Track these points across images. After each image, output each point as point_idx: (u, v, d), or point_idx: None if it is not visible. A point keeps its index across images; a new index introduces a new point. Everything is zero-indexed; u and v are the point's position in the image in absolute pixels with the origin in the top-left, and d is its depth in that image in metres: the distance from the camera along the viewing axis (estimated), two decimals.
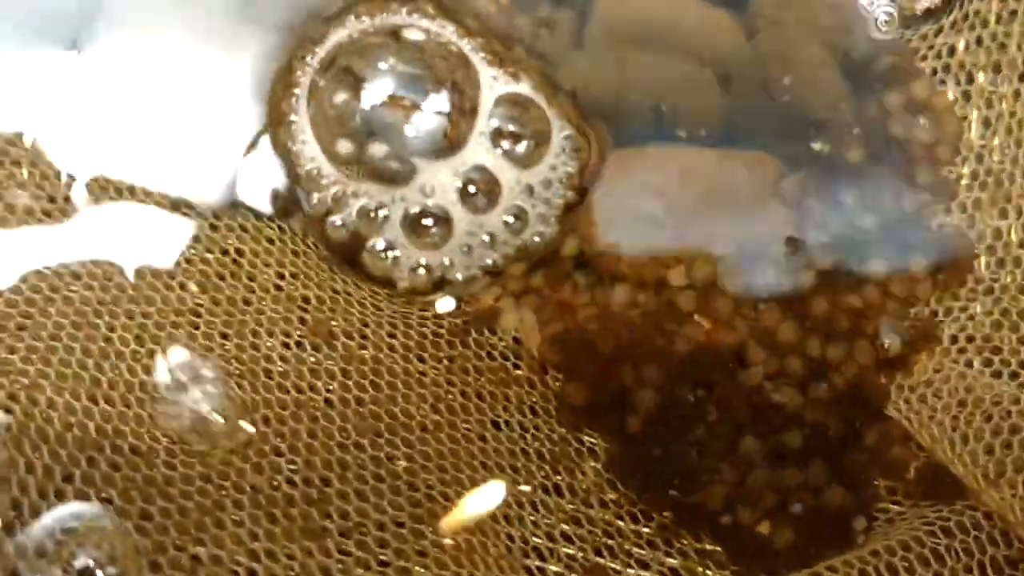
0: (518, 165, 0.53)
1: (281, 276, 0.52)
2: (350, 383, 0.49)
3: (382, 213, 0.52)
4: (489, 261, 0.53)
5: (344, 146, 0.53)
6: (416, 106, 0.52)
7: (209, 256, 0.52)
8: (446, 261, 0.53)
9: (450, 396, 0.50)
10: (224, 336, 0.49)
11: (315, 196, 0.52)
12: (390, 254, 0.52)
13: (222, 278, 0.51)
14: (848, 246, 0.53)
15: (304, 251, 0.53)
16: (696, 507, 0.49)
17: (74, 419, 0.45)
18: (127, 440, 0.45)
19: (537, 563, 0.47)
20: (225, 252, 0.52)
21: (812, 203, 0.54)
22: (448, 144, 0.53)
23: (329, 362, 0.50)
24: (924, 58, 0.56)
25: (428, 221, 0.52)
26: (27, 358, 0.46)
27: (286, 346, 0.50)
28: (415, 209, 0.52)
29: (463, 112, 0.53)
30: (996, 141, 0.54)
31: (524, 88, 0.54)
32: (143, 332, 0.48)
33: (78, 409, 0.45)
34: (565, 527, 0.48)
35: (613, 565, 0.48)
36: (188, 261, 0.51)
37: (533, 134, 0.54)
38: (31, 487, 0.42)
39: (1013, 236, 0.52)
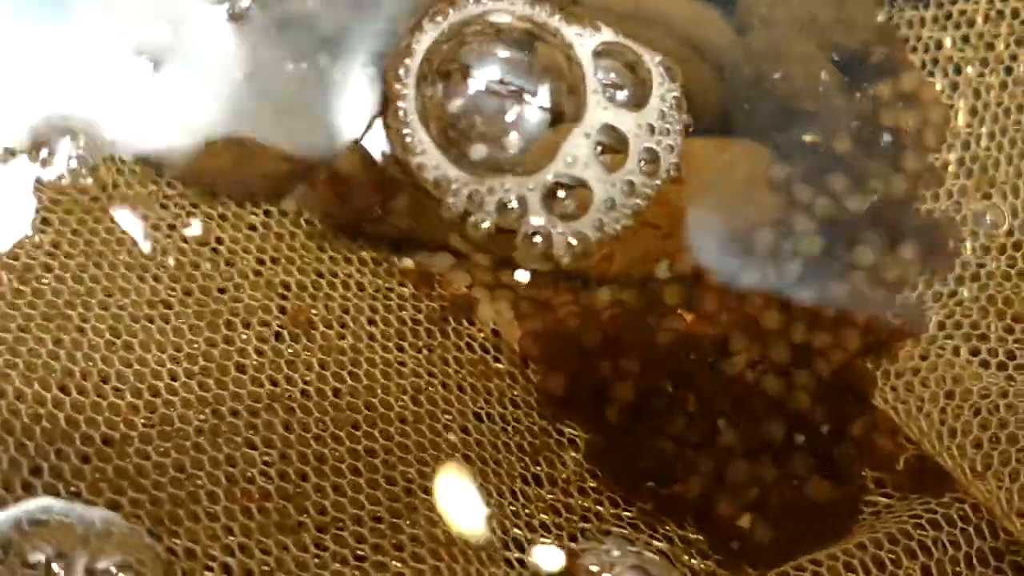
0: (633, 109, 0.53)
1: (261, 262, 0.51)
2: (328, 374, 0.48)
3: (518, 200, 0.51)
4: (632, 208, 0.52)
5: (469, 149, 0.52)
6: (527, 89, 0.52)
7: (185, 245, 0.51)
8: (595, 224, 0.52)
9: (431, 388, 0.50)
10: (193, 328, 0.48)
11: (449, 201, 0.51)
12: (539, 238, 0.51)
13: (197, 267, 0.50)
14: (836, 233, 0.53)
15: (290, 232, 0.52)
16: (675, 499, 0.48)
17: (43, 410, 0.44)
18: (99, 430, 0.44)
19: (517, 555, 0.46)
20: (204, 243, 0.51)
21: (801, 190, 0.54)
22: (567, 115, 0.52)
23: (307, 353, 0.49)
24: (914, 50, 0.56)
25: (563, 193, 0.51)
26: None
27: (262, 339, 0.49)
28: (550, 186, 0.51)
29: (571, 80, 0.52)
30: (983, 129, 0.54)
31: (608, 35, 0.54)
32: (118, 323, 0.47)
33: (48, 400, 0.44)
34: (544, 517, 0.47)
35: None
36: (164, 251, 0.51)
37: (634, 76, 0.53)
38: None
39: (999, 221, 0.52)
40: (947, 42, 0.55)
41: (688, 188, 0.54)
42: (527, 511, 0.47)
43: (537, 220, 0.51)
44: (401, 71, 0.53)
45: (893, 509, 0.47)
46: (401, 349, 0.51)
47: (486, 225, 0.51)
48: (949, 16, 0.56)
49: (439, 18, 0.53)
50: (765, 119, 0.56)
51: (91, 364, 0.46)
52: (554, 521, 0.47)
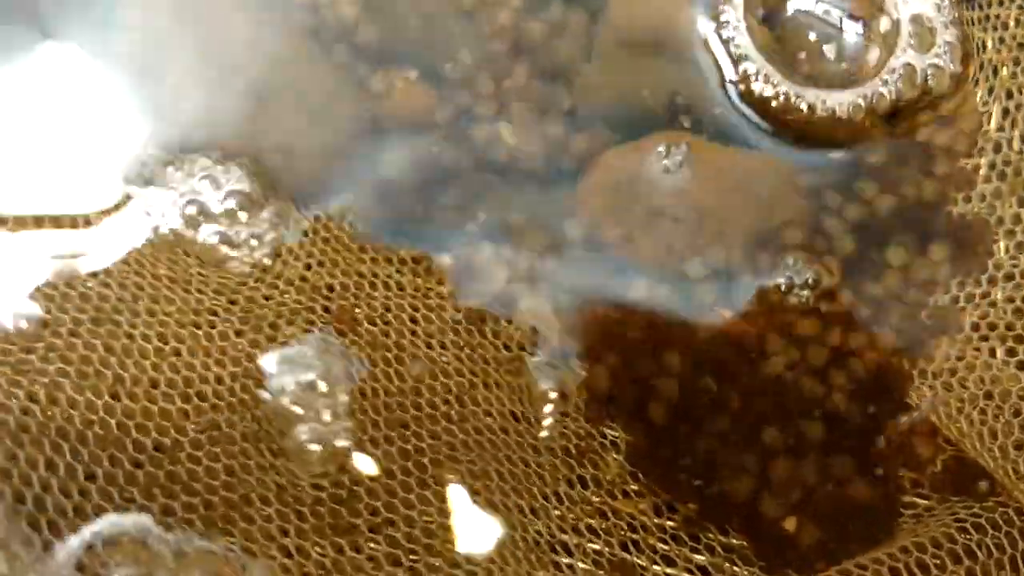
0: None
1: (308, 267, 0.51)
2: (377, 371, 0.49)
3: None
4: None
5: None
6: None
7: (232, 251, 0.51)
8: None
9: (474, 388, 0.50)
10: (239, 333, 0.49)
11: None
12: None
13: (245, 274, 0.51)
14: (867, 235, 0.53)
15: (336, 235, 0.52)
16: (720, 500, 0.49)
17: (96, 417, 0.44)
18: (150, 436, 0.44)
19: (565, 559, 0.46)
20: (250, 246, 0.52)
21: (831, 194, 0.54)
22: None
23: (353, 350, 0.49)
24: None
25: None
26: (45, 356, 0.45)
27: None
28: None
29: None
30: (1016, 132, 0.54)
31: None
32: (165, 330, 0.48)
33: (99, 407, 0.44)
34: (591, 521, 0.48)
35: (639, 561, 0.47)
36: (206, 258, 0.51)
37: None
38: (53, 487, 0.42)
39: None
40: (989, 43, 0.55)
41: (714, 190, 0.55)
42: (572, 515, 0.48)
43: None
44: None
45: (934, 512, 0.48)
46: (443, 347, 0.51)
47: None
48: (987, 18, 0.56)
49: None
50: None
51: (140, 371, 0.46)
52: (601, 526, 0.47)
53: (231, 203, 0.52)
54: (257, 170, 0.53)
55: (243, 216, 0.52)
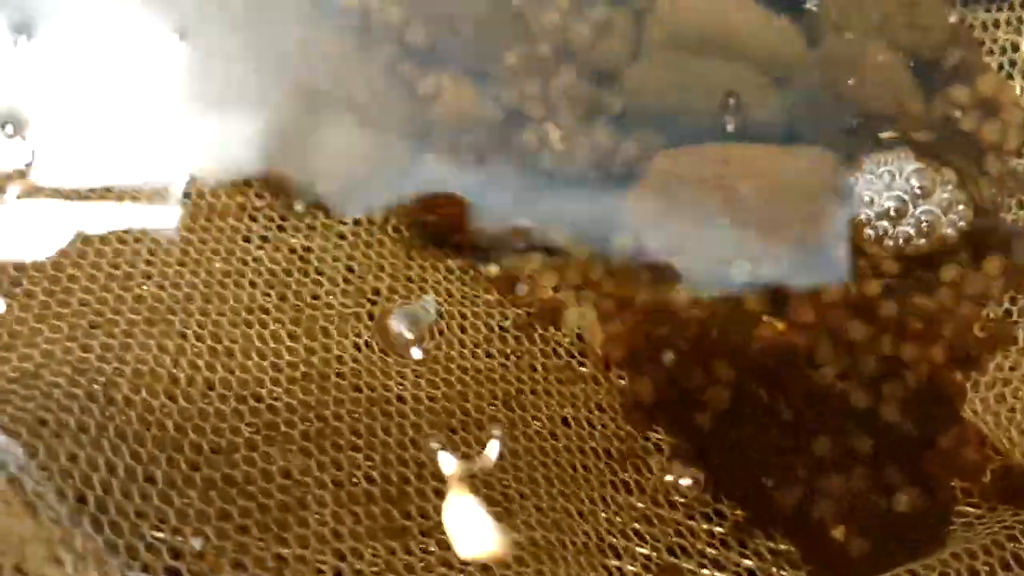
0: None
1: (350, 269, 0.52)
2: (422, 381, 0.49)
3: None
4: None
5: None
6: None
7: (277, 255, 0.52)
8: None
9: (521, 394, 0.50)
10: (292, 336, 0.49)
11: None
12: None
13: (289, 274, 0.51)
14: (917, 245, 0.53)
15: (379, 240, 0.53)
16: (769, 507, 0.49)
17: (152, 417, 0.45)
18: (206, 437, 0.45)
19: (615, 562, 0.47)
20: (293, 250, 0.52)
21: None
22: None
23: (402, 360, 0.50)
24: (991, 52, 0.56)
25: None
26: (102, 356, 0.46)
27: (356, 347, 0.50)
28: None
29: None
30: None
31: None
32: (218, 329, 0.48)
33: (155, 407, 0.45)
34: (638, 526, 0.48)
35: (687, 565, 0.47)
36: (256, 260, 0.52)
37: None
38: (114, 488, 0.42)
39: None
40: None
41: (763, 194, 0.55)
42: (619, 518, 0.48)
43: None
44: None
45: (984, 520, 0.48)
46: (490, 355, 0.51)
47: None
48: (1020, 20, 0.56)
49: None
50: (837, 127, 0.56)
51: (195, 371, 0.47)
52: (648, 531, 0.48)
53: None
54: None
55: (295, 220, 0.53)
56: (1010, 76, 0.56)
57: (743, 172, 0.56)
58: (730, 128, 0.56)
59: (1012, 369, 0.50)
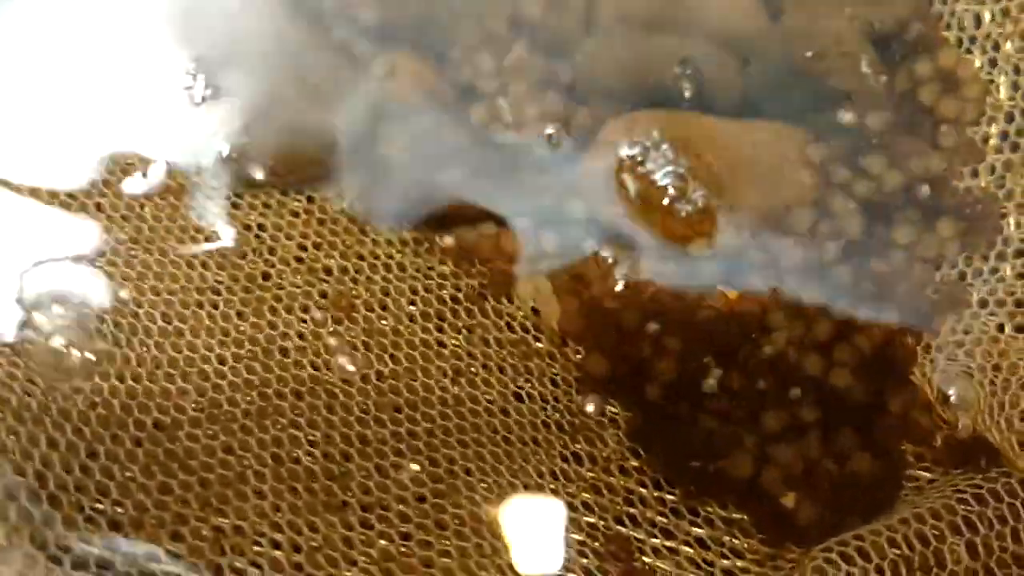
0: None
1: (303, 247, 0.52)
2: (371, 356, 0.49)
3: None
4: None
5: None
6: None
7: (231, 234, 0.52)
8: None
9: (471, 369, 0.50)
10: (240, 315, 0.50)
11: None
12: None
13: (243, 256, 0.52)
14: (874, 211, 0.52)
15: (332, 217, 0.53)
16: (720, 476, 0.48)
17: (99, 398, 0.45)
18: (151, 415, 0.45)
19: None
20: (248, 227, 0.52)
21: (838, 170, 0.54)
22: None
23: (350, 336, 0.50)
24: (948, 27, 0.55)
25: None
26: None
27: (304, 322, 0.50)
28: None
29: None
30: None
31: None
32: (169, 309, 0.49)
33: (104, 388, 0.45)
34: (586, 496, 0.48)
35: (636, 534, 0.47)
36: (208, 239, 0.52)
37: None
38: (55, 462, 0.43)
39: None
40: (986, 16, 0.54)
41: (720, 165, 0.54)
42: (568, 491, 0.48)
43: None
44: None
45: (936, 484, 0.47)
46: (441, 330, 0.51)
47: None
48: None
49: None
50: (798, 101, 0.56)
51: (145, 350, 0.47)
52: (596, 501, 0.47)
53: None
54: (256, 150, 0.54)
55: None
56: (969, 51, 0.55)
57: (702, 144, 0.55)
58: (687, 102, 0.56)
59: (966, 333, 0.49)
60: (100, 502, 0.42)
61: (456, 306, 0.52)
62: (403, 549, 0.44)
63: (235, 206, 0.53)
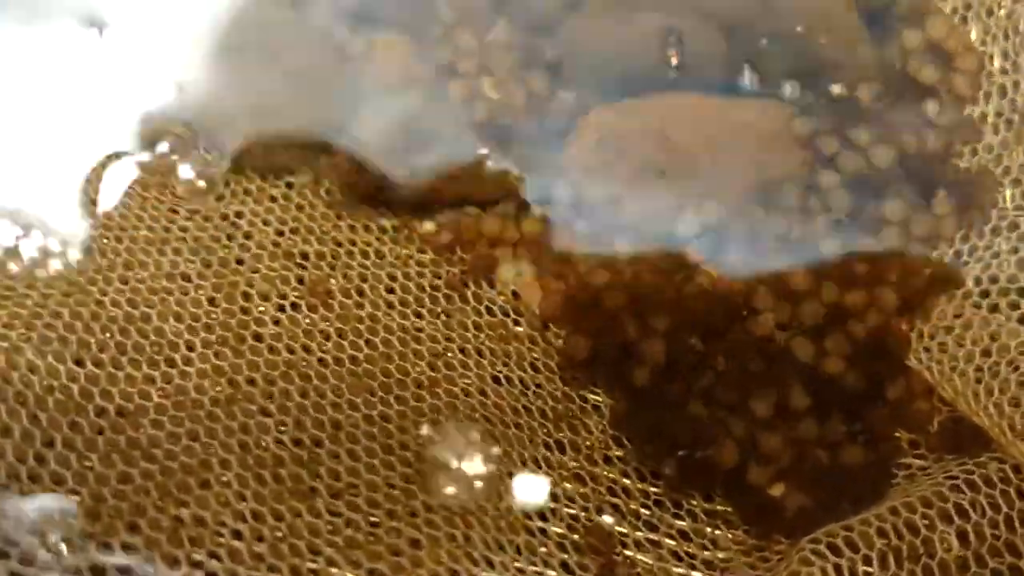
0: None
1: (280, 233, 0.51)
2: (345, 343, 0.48)
3: None
4: None
5: None
6: None
7: (207, 223, 0.51)
8: None
9: (448, 353, 0.49)
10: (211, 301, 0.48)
11: None
12: None
13: (217, 240, 0.50)
14: (866, 186, 0.51)
15: (310, 203, 0.52)
16: (705, 467, 0.47)
17: (56, 383, 0.44)
18: (114, 402, 0.44)
19: (539, 524, 0.45)
20: (225, 217, 0.51)
21: (828, 144, 0.52)
22: None
23: (324, 322, 0.48)
24: None
25: None
26: (9, 324, 0.45)
27: (281, 308, 0.49)
28: None
29: None
30: (1021, 77, 0.51)
31: None
32: (136, 296, 0.47)
33: (61, 372, 0.44)
34: (568, 486, 0.46)
35: (620, 528, 0.46)
36: (182, 228, 0.51)
37: None
38: (8, 451, 0.41)
39: None
40: None
41: (706, 143, 0.53)
42: (550, 479, 0.46)
43: None
44: None
45: (928, 471, 0.45)
46: (419, 315, 0.50)
47: None
48: None
49: None
50: (786, 74, 0.54)
51: (109, 336, 0.46)
52: (579, 491, 0.46)
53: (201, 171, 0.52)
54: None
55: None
56: (964, 20, 0.53)
57: (686, 123, 0.54)
58: (672, 77, 0.54)
59: (957, 316, 0.47)
60: (54, 492, 0.41)
61: (436, 293, 0.51)
62: (371, 537, 0.42)
63: (211, 192, 0.52)
